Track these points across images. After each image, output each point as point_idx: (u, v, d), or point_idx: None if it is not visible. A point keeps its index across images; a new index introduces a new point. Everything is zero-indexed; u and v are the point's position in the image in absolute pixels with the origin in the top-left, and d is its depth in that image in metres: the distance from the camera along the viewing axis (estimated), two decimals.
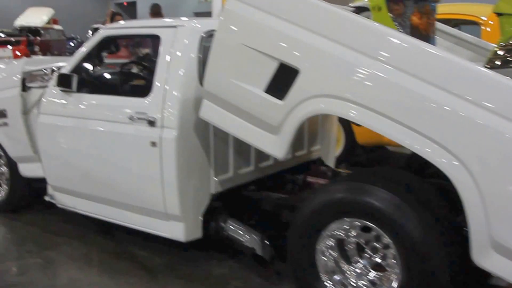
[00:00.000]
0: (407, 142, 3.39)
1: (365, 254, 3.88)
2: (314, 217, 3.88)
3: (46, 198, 5.80)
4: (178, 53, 4.51)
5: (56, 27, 29.92)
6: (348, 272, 3.96)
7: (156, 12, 11.35)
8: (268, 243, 4.54)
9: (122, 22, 6.18)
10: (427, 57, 3.39)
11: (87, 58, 5.34)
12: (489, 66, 4.43)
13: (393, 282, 3.69)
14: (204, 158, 4.57)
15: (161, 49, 4.62)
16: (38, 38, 26.88)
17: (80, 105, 5.14)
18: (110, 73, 5.91)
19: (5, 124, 6.07)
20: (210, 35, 4.52)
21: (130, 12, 35.95)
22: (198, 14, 29.61)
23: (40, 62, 6.42)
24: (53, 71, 5.75)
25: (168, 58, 4.53)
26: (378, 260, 3.81)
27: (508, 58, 4.43)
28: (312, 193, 4.13)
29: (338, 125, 6.43)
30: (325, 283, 3.96)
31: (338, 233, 3.89)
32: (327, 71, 3.64)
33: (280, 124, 3.85)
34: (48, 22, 28.43)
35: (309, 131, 5.59)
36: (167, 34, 4.63)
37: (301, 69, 3.68)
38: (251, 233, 4.59)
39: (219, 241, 4.78)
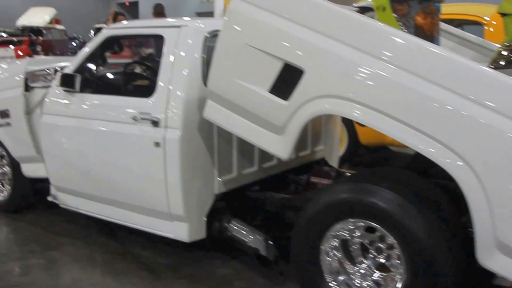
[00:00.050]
0: (412, 142, 3.38)
1: (370, 255, 3.88)
2: (319, 217, 3.87)
3: (49, 199, 5.80)
4: (182, 53, 4.50)
5: (58, 27, 29.93)
6: (352, 272, 3.95)
7: (159, 12, 11.34)
8: (271, 243, 4.53)
9: (125, 22, 6.17)
10: (432, 57, 3.38)
11: (91, 58, 5.32)
12: (493, 67, 4.42)
13: (398, 282, 3.68)
14: (208, 158, 4.56)
15: (165, 49, 4.60)
16: (40, 38, 26.89)
17: (83, 105, 5.14)
18: (113, 73, 5.90)
19: (8, 124, 6.07)
20: (214, 35, 4.51)
21: (132, 12, 35.95)
22: (200, 14, 29.60)
23: (42, 62, 6.41)
24: (56, 71, 5.74)
25: (172, 58, 4.52)
26: (383, 261, 3.81)
27: None
28: (317, 194, 4.12)
29: (341, 125, 6.42)
30: (330, 283, 3.95)
31: (343, 233, 3.88)
32: (332, 71, 3.62)
33: (285, 125, 3.84)
34: (50, 22, 28.45)
35: (312, 131, 5.58)
36: (171, 34, 4.62)
37: (306, 69, 3.67)
38: (255, 233, 4.58)
39: (222, 241, 4.78)
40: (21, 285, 4.81)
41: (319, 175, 5.35)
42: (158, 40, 4.97)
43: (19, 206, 6.52)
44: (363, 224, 3.78)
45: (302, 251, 4.00)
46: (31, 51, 23.68)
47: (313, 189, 5.18)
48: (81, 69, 5.27)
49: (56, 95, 5.35)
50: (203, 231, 4.68)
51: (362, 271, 3.93)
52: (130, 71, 5.81)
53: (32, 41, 25.83)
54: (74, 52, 29.92)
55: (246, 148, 4.79)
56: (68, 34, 31.54)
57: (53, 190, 5.73)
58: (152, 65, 5.65)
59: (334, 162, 5.98)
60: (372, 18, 4.19)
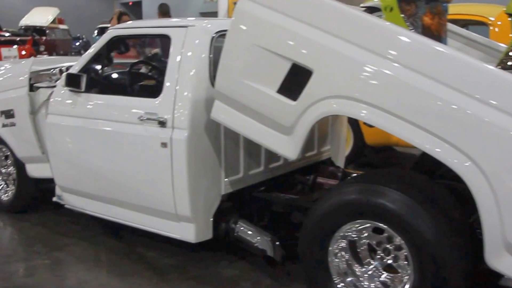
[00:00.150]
0: (419, 141, 3.37)
1: (377, 256, 3.86)
2: (327, 218, 3.86)
3: (54, 199, 5.78)
4: (189, 54, 4.48)
5: (62, 26, 30.03)
6: (360, 273, 3.94)
7: (164, 12, 11.31)
8: (278, 244, 4.51)
9: (129, 22, 6.15)
10: (439, 57, 3.37)
11: (96, 58, 5.31)
12: (501, 67, 4.41)
13: (406, 283, 3.67)
14: (215, 159, 4.54)
15: (172, 49, 4.58)
16: (44, 37, 26.95)
17: (88, 105, 5.12)
18: (119, 73, 5.88)
19: (13, 124, 6.04)
20: (221, 35, 4.50)
21: (135, 11, 35.99)
22: (204, 14, 29.63)
23: (47, 62, 6.40)
24: (61, 71, 5.73)
25: (178, 58, 4.50)
26: (390, 262, 3.80)
27: None
28: (324, 194, 4.10)
29: (347, 125, 6.41)
30: (338, 285, 3.93)
31: (350, 234, 3.86)
32: (341, 71, 3.60)
33: (293, 125, 3.82)
34: (54, 22, 28.54)
35: (319, 131, 5.57)
36: (177, 34, 4.60)
37: (314, 69, 3.65)
38: (262, 234, 4.57)
39: (229, 242, 4.77)
40: (26, 286, 4.80)
41: (325, 176, 5.34)
42: (164, 40, 4.95)
43: (24, 207, 6.50)
44: (370, 225, 3.76)
45: (310, 252, 3.98)
46: (35, 51, 23.74)
47: (320, 190, 5.16)
48: (87, 69, 5.26)
49: (61, 95, 5.34)
50: (209, 232, 4.66)
51: (370, 272, 3.92)
52: (136, 71, 5.80)
53: (36, 40, 25.88)
54: (77, 52, 30.02)
55: (253, 149, 4.77)
56: (72, 34, 31.62)
57: (58, 191, 5.71)
58: (158, 65, 5.64)
59: (340, 162, 5.97)
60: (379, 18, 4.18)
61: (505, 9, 6.85)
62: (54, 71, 5.81)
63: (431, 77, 3.30)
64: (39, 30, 28.17)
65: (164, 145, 4.46)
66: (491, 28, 7.46)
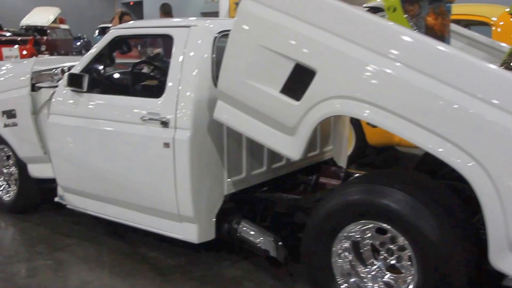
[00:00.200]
0: (422, 141, 3.36)
1: (381, 256, 3.85)
2: (330, 219, 3.85)
3: (56, 199, 5.77)
4: (192, 54, 4.47)
5: (63, 26, 30.07)
6: (363, 274, 3.93)
7: (167, 11, 11.28)
8: (281, 244, 4.50)
9: (131, 22, 6.14)
10: (442, 56, 3.36)
11: (98, 58, 5.30)
12: (504, 68, 4.40)
13: (409, 284, 3.67)
14: (218, 159, 4.53)
15: (174, 49, 4.57)
16: (45, 37, 26.97)
17: (91, 106, 5.11)
18: (121, 73, 5.87)
19: (15, 124, 6.03)
20: (223, 35, 4.50)
21: (136, 11, 36.03)
22: (205, 14, 29.66)
23: (49, 62, 6.39)
24: (63, 71, 5.72)
25: (181, 58, 4.49)
26: (394, 262, 3.79)
27: None
28: (327, 195, 4.09)
29: (349, 125, 6.40)
30: (341, 286, 3.93)
31: (354, 235, 3.86)
32: (345, 71, 3.59)
33: (296, 125, 3.80)
34: (55, 22, 28.58)
35: (321, 131, 5.56)
36: (180, 34, 4.59)
37: (318, 69, 3.64)
38: (265, 234, 4.56)
39: (231, 242, 4.77)
40: (28, 287, 4.79)
41: (328, 176, 5.33)
42: (167, 40, 4.94)
43: (26, 207, 6.49)
44: (374, 225, 3.76)
45: (313, 253, 3.98)
46: (36, 51, 23.75)
47: (322, 190, 5.15)
48: (89, 69, 5.25)
49: (63, 95, 5.33)
50: (212, 232, 4.66)
51: (373, 273, 3.91)
52: (139, 71, 5.79)
53: (37, 40, 25.89)
54: (78, 51, 30.06)
55: (255, 149, 4.76)
56: (73, 33, 31.65)
57: (60, 191, 5.71)
58: (160, 65, 5.63)
59: (342, 162, 5.96)
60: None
61: (508, 9, 6.85)
62: (56, 71, 5.80)
63: (434, 77, 3.29)
64: (40, 30, 28.21)
65: (166, 145, 4.45)
66: (493, 28, 7.45)
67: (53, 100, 5.44)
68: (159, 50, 7.61)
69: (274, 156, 4.95)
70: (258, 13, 3.89)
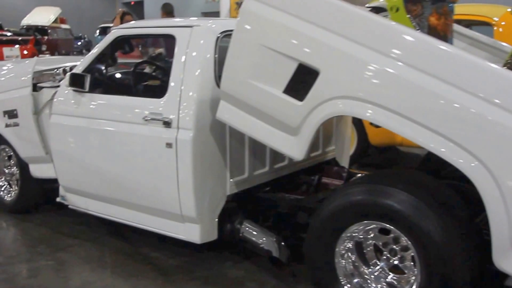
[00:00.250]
0: (424, 141, 3.36)
1: (384, 257, 3.85)
2: (334, 219, 3.85)
3: (58, 200, 5.76)
4: (194, 54, 4.46)
5: (64, 26, 30.09)
6: (367, 274, 3.93)
7: (168, 11, 11.25)
8: (284, 244, 4.50)
9: (133, 22, 6.13)
10: (445, 56, 3.36)
11: (100, 58, 5.30)
12: (507, 68, 4.40)
13: (412, 284, 3.67)
14: (220, 159, 4.53)
15: (177, 49, 4.57)
16: (46, 37, 26.99)
17: (92, 106, 5.10)
18: (123, 73, 5.86)
19: (16, 124, 6.02)
20: (226, 35, 4.49)
21: (137, 11, 36.04)
22: (206, 14, 29.68)
23: (51, 62, 6.38)
24: (64, 71, 5.71)
25: (183, 58, 4.49)
26: (397, 262, 3.79)
27: None
28: (330, 195, 4.08)
29: (351, 125, 6.40)
30: (344, 286, 3.93)
31: (357, 235, 3.86)
32: (348, 72, 3.58)
33: (299, 126, 3.80)
34: (56, 21, 28.59)
35: (324, 131, 5.55)
36: (182, 34, 4.58)
37: (321, 69, 3.63)
38: (267, 235, 4.55)
39: (234, 242, 4.77)
40: (30, 287, 4.78)
41: (330, 176, 5.33)
42: (169, 40, 4.94)
43: (27, 207, 6.49)
44: (377, 225, 3.76)
45: (316, 254, 3.97)
46: (37, 51, 23.75)
47: (325, 190, 5.15)
48: (91, 69, 5.24)
49: (65, 95, 5.32)
50: (215, 233, 4.65)
51: (376, 273, 3.91)
52: (141, 71, 5.78)
53: (38, 40, 25.90)
54: (79, 51, 30.08)
55: (258, 149, 4.76)
56: (74, 33, 31.67)
57: (62, 191, 5.69)
58: (163, 65, 5.62)
59: (345, 162, 5.96)
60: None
61: (510, 9, 6.84)
62: (57, 71, 5.80)
63: (437, 77, 3.29)
64: (41, 30, 28.22)
65: (169, 145, 4.44)
66: (495, 28, 7.45)
67: (54, 100, 5.44)
68: (161, 50, 7.60)
69: (277, 156, 4.94)
70: (261, 13, 3.88)
